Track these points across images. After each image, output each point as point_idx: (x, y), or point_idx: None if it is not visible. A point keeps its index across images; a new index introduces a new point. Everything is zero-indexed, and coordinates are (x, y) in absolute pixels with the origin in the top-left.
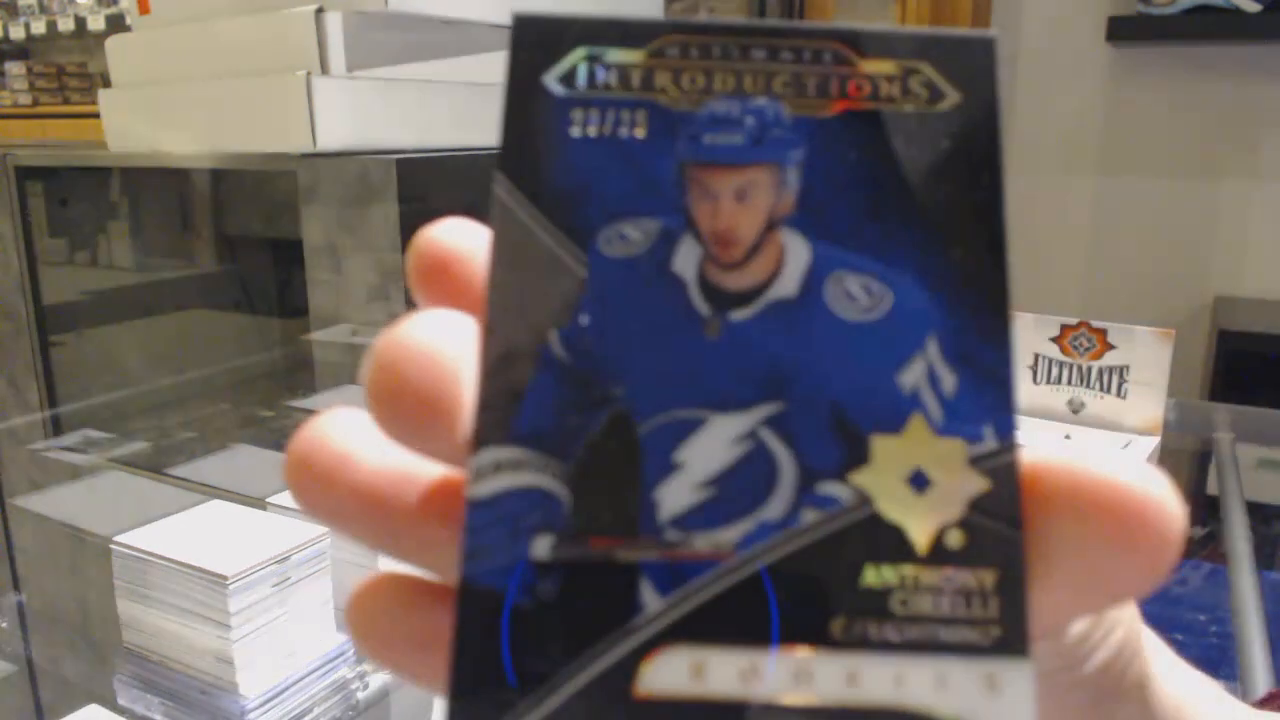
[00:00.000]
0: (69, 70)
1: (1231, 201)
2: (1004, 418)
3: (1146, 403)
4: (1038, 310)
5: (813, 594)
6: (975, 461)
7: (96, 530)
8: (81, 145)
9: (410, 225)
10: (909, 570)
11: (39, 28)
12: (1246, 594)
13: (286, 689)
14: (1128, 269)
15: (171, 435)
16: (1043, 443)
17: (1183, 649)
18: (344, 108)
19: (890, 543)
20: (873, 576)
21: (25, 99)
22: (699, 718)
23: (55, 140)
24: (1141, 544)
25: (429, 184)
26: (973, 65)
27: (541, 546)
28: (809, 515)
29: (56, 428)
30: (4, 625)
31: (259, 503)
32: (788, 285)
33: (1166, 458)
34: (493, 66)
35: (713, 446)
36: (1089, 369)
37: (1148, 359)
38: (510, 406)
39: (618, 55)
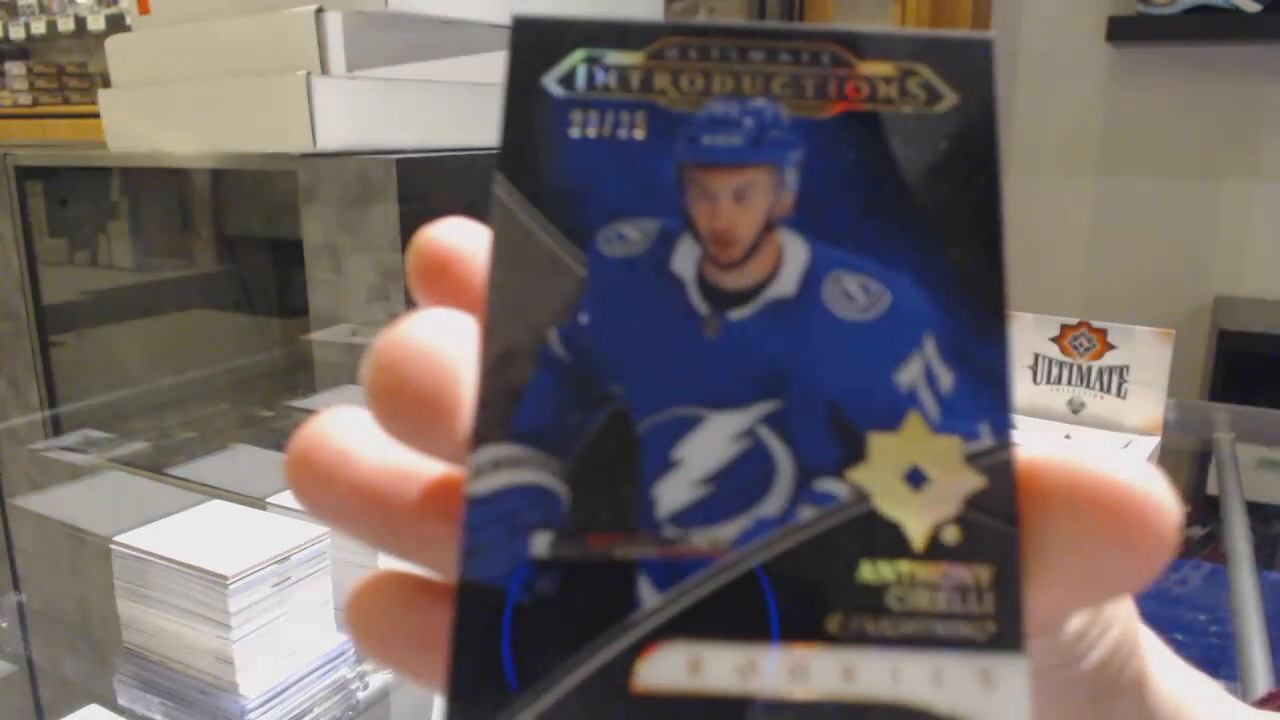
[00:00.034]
0: (69, 70)
1: (1231, 201)
2: (1000, 415)
3: (1146, 403)
4: (1038, 310)
5: (810, 590)
6: (971, 459)
7: (96, 530)
8: (81, 145)
9: (410, 225)
10: (905, 566)
11: (39, 28)
12: (1246, 594)
13: (286, 689)
14: (1128, 269)
15: (171, 435)
16: (1041, 441)
17: (1183, 649)
18: (344, 108)
19: (887, 539)
20: (869, 572)
21: (25, 99)
22: (697, 713)
23: (55, 140)
24: (1136, 540)
25: (429, 184)
26: (970, 67)
27: (540, 543)
28: (806, 512)
29: (56, 428)
30: (4, 625)
31: (259, 503)
32: (786, 285)
33: (1166, 458)
34: (493, 66)
35: (711, 444)
36: (1089, 369)
37: (1148, 359)
38: (510, 405)
39: (617, 57)
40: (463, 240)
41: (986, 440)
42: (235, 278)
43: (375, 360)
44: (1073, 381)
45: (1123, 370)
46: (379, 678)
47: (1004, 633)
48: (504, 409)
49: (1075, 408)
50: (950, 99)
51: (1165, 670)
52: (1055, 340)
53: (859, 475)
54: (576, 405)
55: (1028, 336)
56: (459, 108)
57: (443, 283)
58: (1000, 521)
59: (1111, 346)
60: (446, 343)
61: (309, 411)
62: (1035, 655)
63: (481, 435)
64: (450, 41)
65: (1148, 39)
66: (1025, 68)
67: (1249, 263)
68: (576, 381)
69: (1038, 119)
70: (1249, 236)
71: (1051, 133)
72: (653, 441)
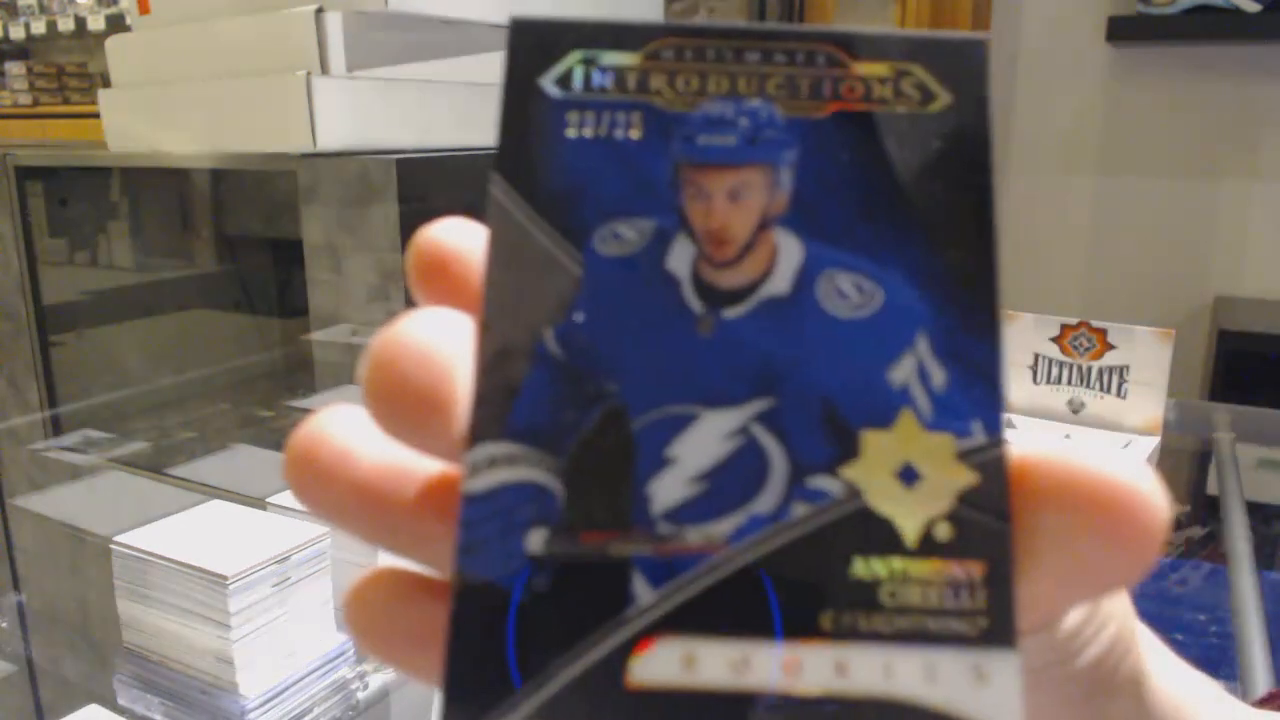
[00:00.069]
0: (69, 70)
1: (1231, 201)
2: (992, 413)
3: (1146, 403)
4: (1038, 310)
5: (803, 586)
6: (964, 455)
7: (96, 530)
8: (81, 145)
9: (410, 225)
10: (898, 563)
11: (39, 28)
12: (1246, 594)
13: (286, 689)
14: (1128, 269)
15: (171, 435)
16: (1033, 439)
17: (1183, 649)
18: (344, 108)
19: (880, 535)
20: (862, 569)
21: (25, 99)
22: (691, 708)
23: (55, 140)
24: (1127, 536)
25: (429, 184)
26: (964, 67)
27: (536, 540)
28: (799, 509)
29: (56, 428)
30: (4, 625)
31: (259, 503)
32: (780, 283)
33: (1166, 458)
34: (493, 66)
35: (705, 442)
36: (1089, 369)
37: (1148, 359)
38: (506, 402)
39: (613, 58)
40: (462, 240)
41: (979, 437)
42: (235, 278)
43: (372, 359)
44: (1073, 381)
45: (1123, 370)
46: (379, 678)
47: (996, 628)
48: (500, 407)
49: (1075, 408)
50: (944, 99)
51: (1164, 669)
52: (1055, 340)
53: (852, 472)
54: (572, 403)
55: (1028, 336)
56: (459, 108)
57: (442, 282)
58: (992, 518)
59: (1111, 346)
60: (442, 341)
61: (309, 411)
62: (1031, 652)
63: (478, 433)
64: (450, 41)
65: (1148, 39)
66: (1025, 68)
67: (1249, 263)
68: (572, 379)
69: (1037, 119)
70: (1249, 236)
71: (1051, 133)
72: (647, 439)
